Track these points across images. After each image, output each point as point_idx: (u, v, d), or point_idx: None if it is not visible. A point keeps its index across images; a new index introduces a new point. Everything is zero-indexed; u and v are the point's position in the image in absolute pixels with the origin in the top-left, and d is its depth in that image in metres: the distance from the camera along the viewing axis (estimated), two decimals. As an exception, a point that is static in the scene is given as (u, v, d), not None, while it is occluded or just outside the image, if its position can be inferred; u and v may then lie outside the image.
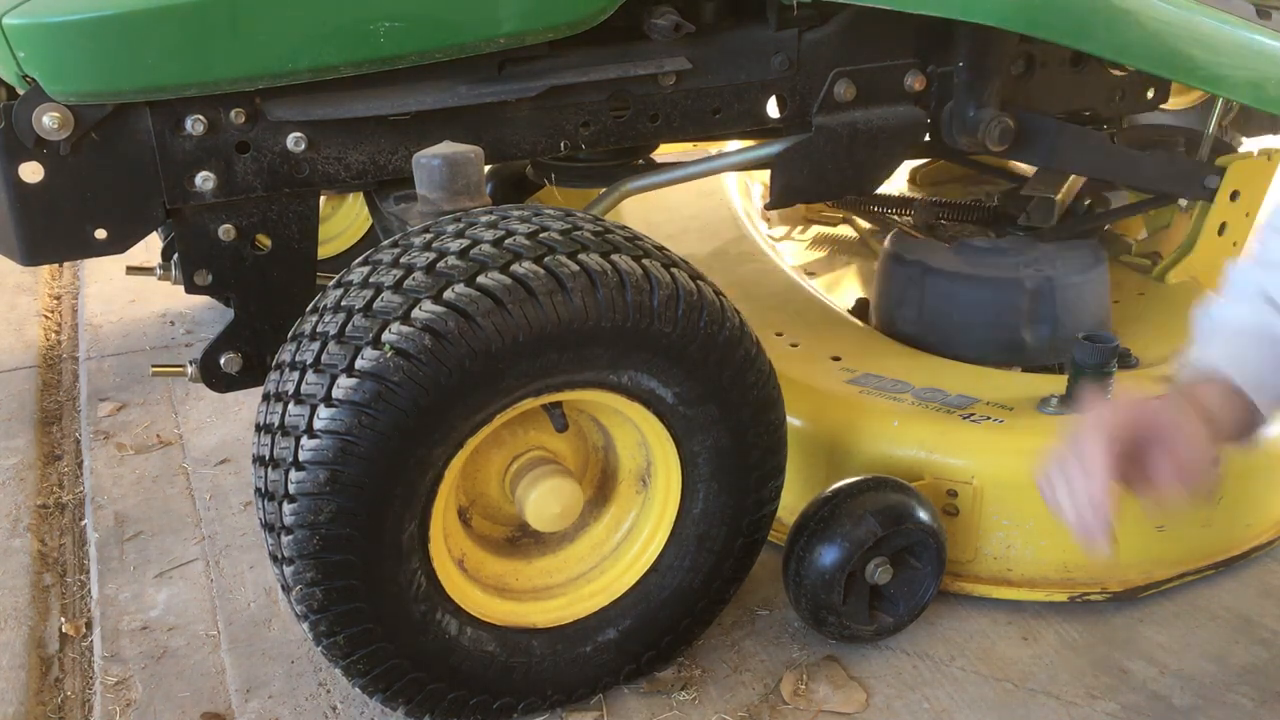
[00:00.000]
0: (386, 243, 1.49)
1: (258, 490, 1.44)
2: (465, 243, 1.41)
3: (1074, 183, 2.53)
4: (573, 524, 1.62)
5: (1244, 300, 1.29)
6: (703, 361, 1.50)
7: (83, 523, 2.19)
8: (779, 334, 2.18)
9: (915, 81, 2.06)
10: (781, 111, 1.99)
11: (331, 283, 1.48)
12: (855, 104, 2.02)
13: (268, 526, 1.42)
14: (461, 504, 1.60)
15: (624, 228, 1.52)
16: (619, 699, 1.68)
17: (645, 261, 1.45)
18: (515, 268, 1.38)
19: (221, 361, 1.80)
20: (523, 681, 1.59)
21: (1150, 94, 2.42)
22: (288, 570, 1.40)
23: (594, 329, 1.40)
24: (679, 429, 1.55)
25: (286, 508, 1.36)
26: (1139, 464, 1.21)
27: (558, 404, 1.54)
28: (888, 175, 2.15)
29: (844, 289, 2.56)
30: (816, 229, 2.83)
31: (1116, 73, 2.33)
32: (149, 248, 2.41)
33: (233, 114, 1.65)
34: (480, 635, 1.55)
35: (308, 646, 1.78)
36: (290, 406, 1.38)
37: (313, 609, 1.42)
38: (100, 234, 1.65)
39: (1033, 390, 1.93)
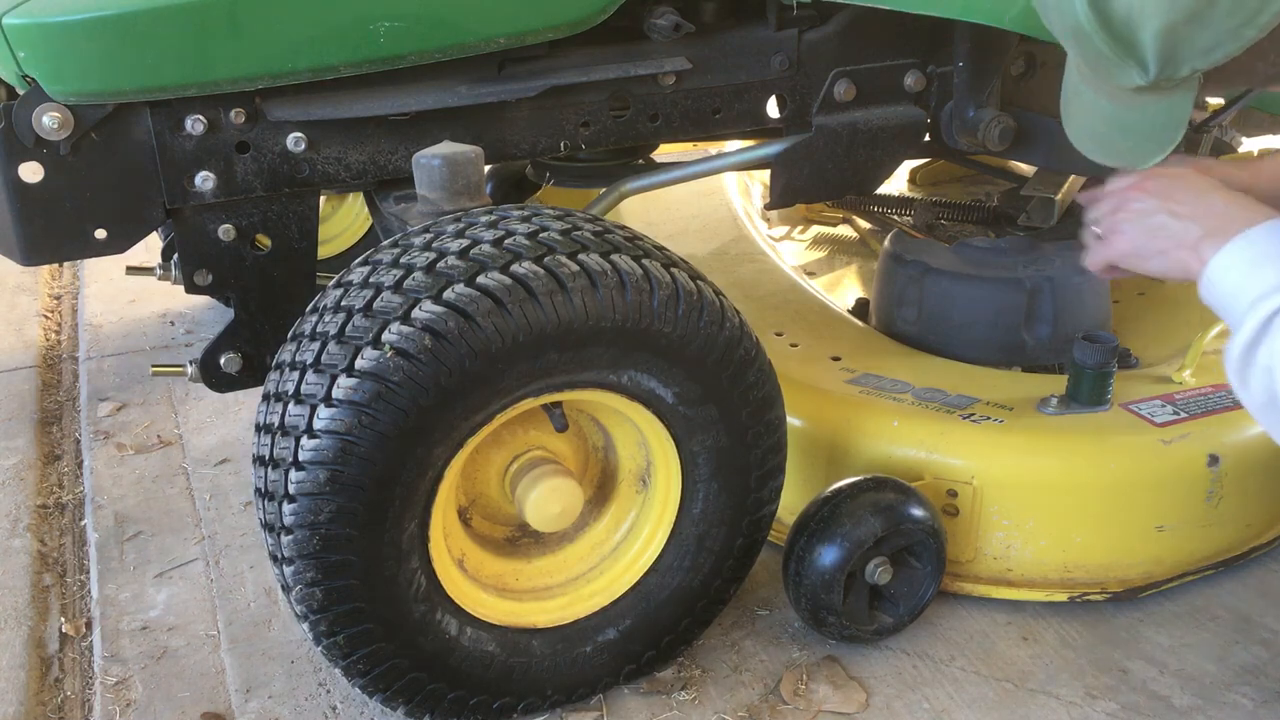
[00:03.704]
0: (386, 243, 1.49)
1: (258, 490, 1.44)
2: (465, 243, 1.41)
3: (1074, 183, 2.53)
4: (573, 524, 1.62)
5: None
6: (703, 361, 1.50)
7: (83, 523, 2.19)
8: (779, 334, 2.18)
9: (915, 81, 2.05)
10: (781, 111, 1.99)
11: (331, 283, 1.48)
12: (855, 104, 2.02)
13: (268, 526, 1.43)
14: (461, 504, 1.60)
15: (624, 228, 1.52)
16: (619, 699, 1.68)
17: (645, 261, 1.45)
18: (515, 268, 1.38)
19: (221, 361, 1.80)
20: (523, 681, 1.59)
21: (1150, 94, 2.41)
22: (288, 570, 1.40)
23: (594, 329, 1.41)
24: (679, 429, 1.55)
25: (286, 508, 1.36)
26: None
27: (558, 404, 1.54)
28: (888, 175, 2.15)
29: (844, 289, 2.56)
30: (816, 229, 2.83)
31: (1116, 73, 2.33)
32: (149, 248, 2.42)
33: (233, 114, 1.65)
34: (480, 635, 1.55)
35: (308, 646, 1.78)
36: (290, 406, 1.38)
37: (313, 609, 1.42)
38: (100, 234, 1.65)
39: (1033, 390, 1.93)
